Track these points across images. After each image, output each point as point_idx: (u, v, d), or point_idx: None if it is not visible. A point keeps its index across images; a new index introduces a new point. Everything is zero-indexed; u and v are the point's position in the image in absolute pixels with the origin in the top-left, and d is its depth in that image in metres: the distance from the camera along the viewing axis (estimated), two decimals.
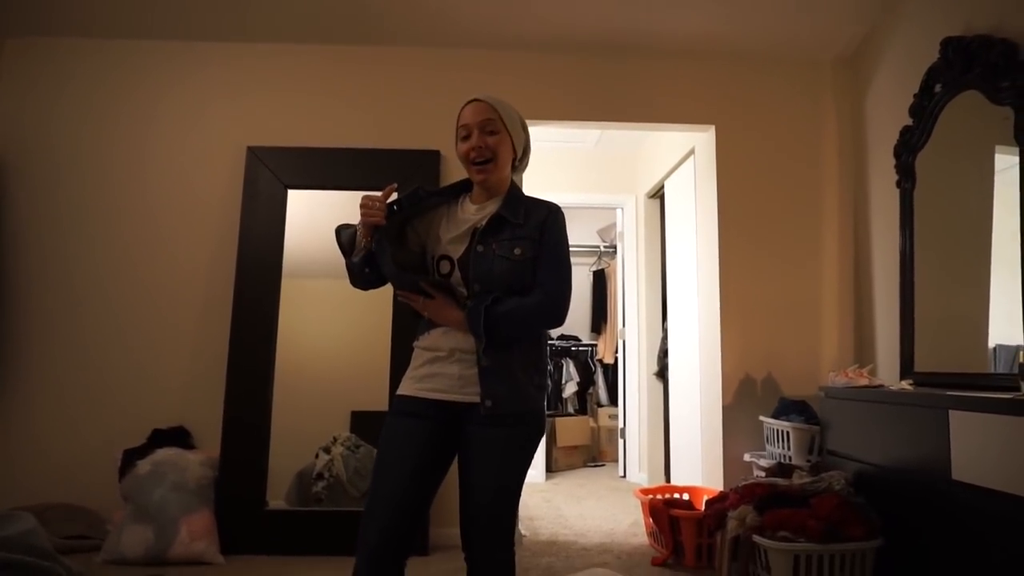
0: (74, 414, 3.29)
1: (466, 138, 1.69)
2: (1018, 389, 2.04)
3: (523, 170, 1.82)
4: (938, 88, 2.86)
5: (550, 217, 1.68)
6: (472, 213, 1.72)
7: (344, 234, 1.74)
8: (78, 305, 3.37)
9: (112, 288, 3.39)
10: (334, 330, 3.56)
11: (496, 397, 1.59)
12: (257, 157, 3.43)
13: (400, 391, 1.69)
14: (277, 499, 3.25)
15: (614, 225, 5.81)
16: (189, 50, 3.53)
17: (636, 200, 5.38)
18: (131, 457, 3.12)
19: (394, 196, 1.70)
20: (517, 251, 1.62)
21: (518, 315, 1.60)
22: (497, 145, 1.68)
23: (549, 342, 6.12)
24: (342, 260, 1.75)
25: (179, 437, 3.24)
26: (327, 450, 3.33)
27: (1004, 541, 1.88)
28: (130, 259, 3.41)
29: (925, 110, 2.93)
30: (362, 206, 1.64)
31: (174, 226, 3.44)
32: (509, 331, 1.60)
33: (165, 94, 3.51)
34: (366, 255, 1.68)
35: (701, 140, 3.84)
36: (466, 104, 1.71)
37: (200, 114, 3.51)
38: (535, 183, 3.95)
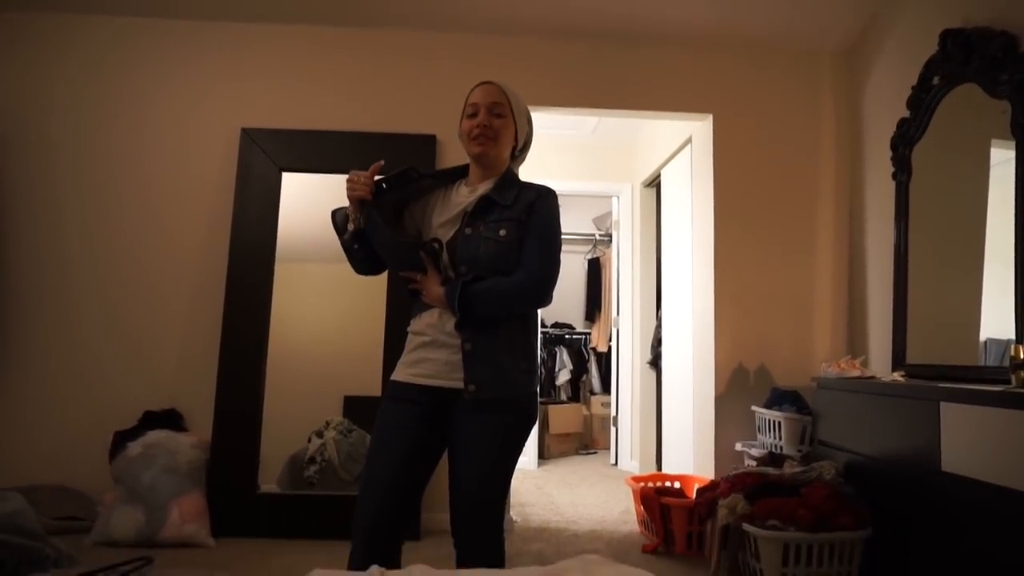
0: (65, 395, 3.28)
1: (472, 116, 1.70)
2: (1008, 382, 2.05)
3: (520, 163, 1.82)
4: (936, 80, 2.85)
5: (539, 200, 1.67)
6: (464, 196, 1.72)
7: (338, 215, 1.74)
8: (70, 286, 3.34)
9: (105, 269, 3.36)
10: (328, 314, 3.55)
11: (480, 381, 1.59)
12: (251, 139, 3.40)
13: (393, 376, 1.70)
14: (269, 483, 3.25)
15: (610, 213, 5.80)
16: (186, 29, 3.48)
17: (632, 188, 5.37)
18: (122, 439, 3.11)
19: (383, 176, 1.70)
20: (503, 232, 1.62)
21: (495, 293, 1.59)
22: (501, 128, 1.69)
23: (542, 330, 6.18)
24: (337, 244, 1.76)
25: (171, 419, 3.23)
26: (320, 434, 3.33)
27: (992, 532, 1.90)
28: (123, 240, 3.39)
29: (923, 102, 2.92)
30: (348, 181, 1.66)
31: (167, 207, 3.41)
32: (485, 309, 1.59)
33: (161, 73, 3.47)
34: (356, 232, 1.68)
35: (698, 129, 3.83)
36: (478, 85, 1.73)
37: (195, 94, 3.47)
38: (531, 170, 3.92)
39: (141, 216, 3.40)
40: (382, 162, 1.69)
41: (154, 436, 3.07)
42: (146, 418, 3.22)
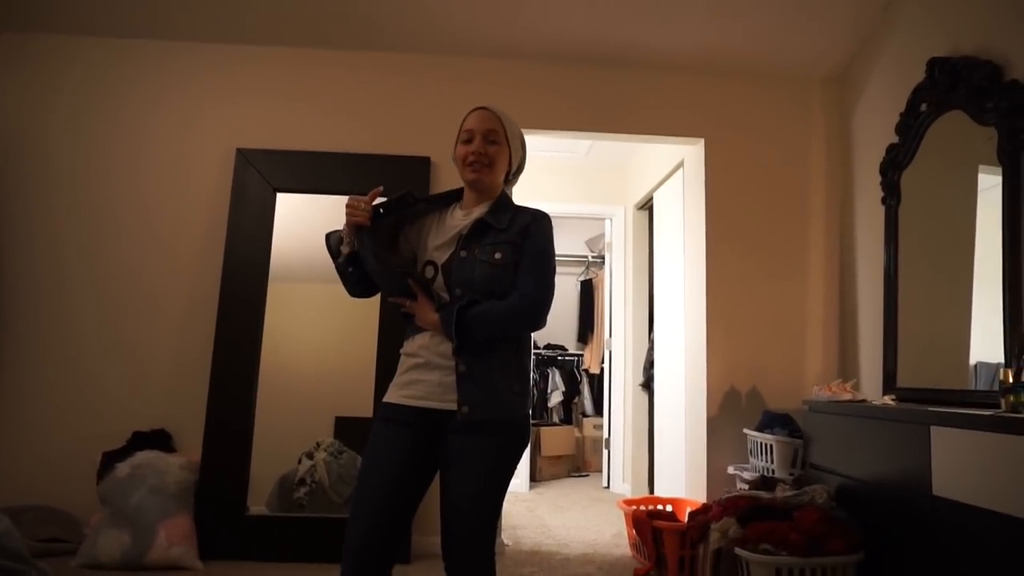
0: (53, 415, 3.25)
1: (468, 142, 1.71)
2: (998, 406, 2.06)
3: (513, 185, 1.84)
4: (924, 107, 2.90)
5: (534, 224, 1.69)
6: (459, 219, 1.73)
7: (332, 237, 1.75)
8: (62, 304, 3.33)
9: (98, 288, 3.35)
10: (320, 335, 3.54)
11: (473, 403, 1.58)
12: (246, 159, 3.41)
13: (386, 398, 1.70)
14: (258, 504, 3.22)
15: (602, 235, 5.83)
16: (183, 51, 3.51)
17: (625, 211, 5.40)
18: (110, 460, 3.08)
19: (381, 200, 1.70)
20: (498, 255, 1.63)
21: (491, 317, 1.60)
22: (496, 155, 1.71)
23: (535, 351, 6.16)
24: (329, 265, 1.77)
25: (160, 440, 3.20)
26: (310, 455, 3.30)
27: (983, 556, 1.90)
28: (117, 259, 3.38)
29: (911, 128, 2.97)
30: (348, 206, 1.66)
31: (162, 227, 3.41)
32: (481, 333, 1.59)
33: (157, 94, 3.49)
34: (350, 254, 1.69)
35: (690, 153, 3.87)
36: (473, 110, 1.74)
37: (191, 115, 3.49)
38: (525, 192, 3.96)
39: (135, 235, 3.40)
40: (381, 188, 1.70)
41: (143, 457, 3.04)
42: (135, 439, 3.19)
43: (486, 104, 1.75)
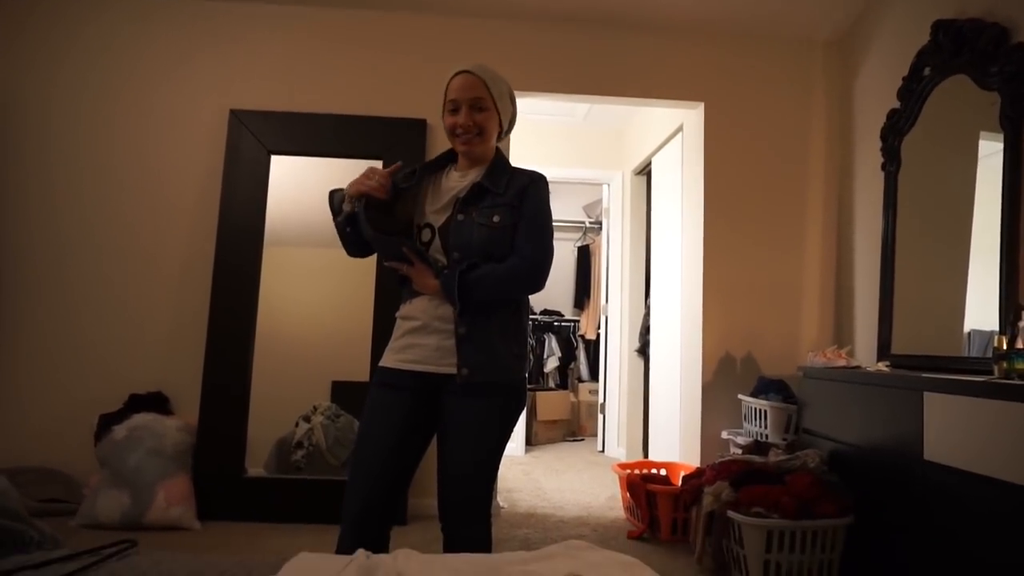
0: (51, 377, 3.25)
1: (454, 111, 1.66)
2: (991, 372, 2.07)
3: (506, 137, 1.81)
4: (927, 71, 2.86)
5: (531, 185, 1.67)
6: (456, 182, 1.71)
7: (336, 196, 1.73)
8: (56, 267, 3.31)
9: (92, 252, 3.33)
10: (316, 299, 3.54)
11: (473, 365, 1.59)
12: (240, 120, 3.36)
13: (382, 362, 1.70)
14: (256, 467, 3.25)
15: (600, 201, 5.80)
16: (173, 7, 3.43)
17: (623, 176, 5.36)
18: (108, 422, 3.09)
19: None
20: (496, 218, 1.62)
21: (491, 279, 1.59)
22: (484, 121, 1.67)
23: (531, 316, 6.18)
24: (326, 228, 1.76)
25: (157, 402, 3.21)
26: (307, 419, 3.33)
27: (972, 519, 1.93)
28: (111, 221, 3.35)
29: (913, 93, 2.93)
30: (365, 175, 1.65)
31: (154, 189, 3.38)
32: (482, 295, 1.59)
33: (149, 52, 3.42)
34: (350, 215, 1.67)
35: (690, 117, 3.82)
36: (456, 75, 1.67)
37: (183, 74, 3.43)
38: (522, 156, 3.92)
39: (129, 198, 3.37)
40: (400, 163, 1.72)
41: (140, 419, 3.05)
42: (132, 401, 3.20)
43: (469, 67, 1.67)
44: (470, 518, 1.60)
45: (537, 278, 1.64)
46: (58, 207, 3.33)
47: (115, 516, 2.86)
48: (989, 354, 2.21)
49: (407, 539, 1.78)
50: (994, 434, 1.86)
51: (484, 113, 1.66)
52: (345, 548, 1.52)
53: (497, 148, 1.75)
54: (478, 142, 1.67)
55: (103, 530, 2.82)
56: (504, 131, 1.75)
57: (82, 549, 1.17)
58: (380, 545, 1.56)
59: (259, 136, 3.35)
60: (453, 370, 1.60)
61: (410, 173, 1.72)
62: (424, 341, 1.63)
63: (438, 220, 1.67)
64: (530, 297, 1.78)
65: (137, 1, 3.41)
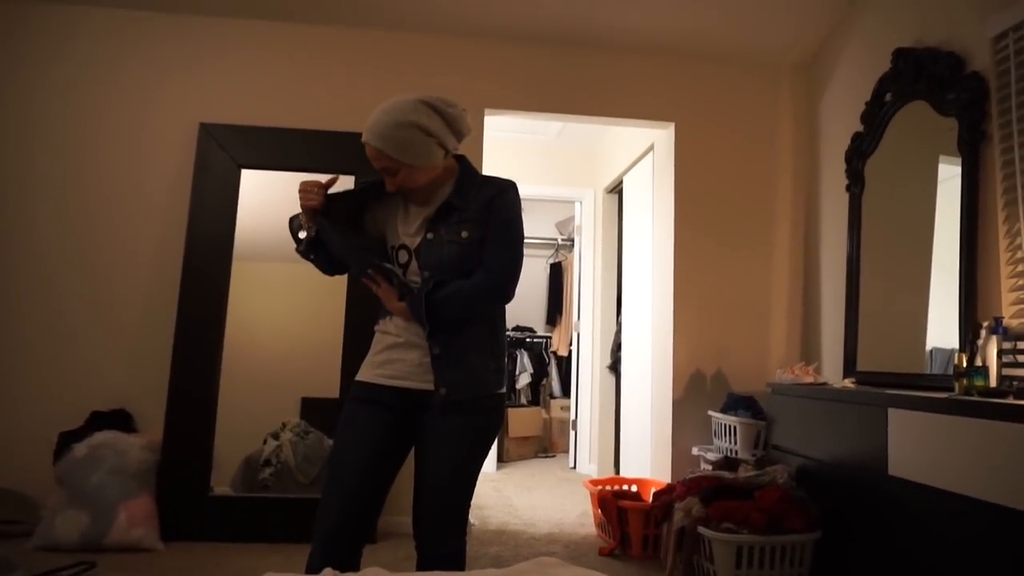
0: (6, 394, 3.15)
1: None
2: (952, 389, 2.12)
3: (460, 143, 1.66)
4: (888, 97, 2.95)
5: (498, 196, 1.65)
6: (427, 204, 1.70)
7: (295, 221, 1.72)
8: (15, 280, 3.22)
9: (54, 264, 3.25)
10: (286, 315, 3.50)
11: (451, 384, 1.58)
12: (210, 134, 3.32)
13: (359, 377, 1.68)
14: (223, 485, 3.18)
15: (572, 218, 5.84)
16: (142, 20, 3.39)
17: (595, 194, 5.41)
18: (68, 440, 3.00)
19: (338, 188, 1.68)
20: (464, 234, 1.61)
21: (459, 297, 1.59)
22: (405, 178, 1.59)
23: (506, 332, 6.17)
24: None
25: (119, 420, 3.13)
26: (276, 436, 3.27)
27: (935, 533, 1.97)
28: (73, 234, 3.28)
29: (876, 117, 3.02)
30: (300, 191, 1.63)
31: (121, 202, 3.32)
32: (451, 314, 1.59)
33: (118, 65, 3.37)
34: (310, 242, 1.67)
35: (661, 137, 3.88)
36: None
37: (153, 87, 3.38)
38: (495, 173, 3.91)
39: (93, 211, 3.30)
40: (338, 176, 1.68)
41: (102, 437, 2.97)
42: (93, 418, 3.11)
43: (366, 137, 1.57)
44: (447, 535, 1.59)
45: (504, 290, 1.64)
46: (15, 220, 3.25)
47: (74, 537, 2.78)
48: (950, 371, 2.27)
49: (377, 556, 1.77)
50: (954, 449, 1.90)
51: (401, 174, 1.58)
52: (315, 567, 1.49)
53: (463, 159, 1.72)
54: (414, 191, 1.62)
55: (62, 552, 2.73)
56: (447, 151, 1.61)
57: (37, 572, 1.13)
58: (351, 564, 1.53)
59: (229, 150, 3.32)
60: (432, 387, 1.59)
61: (369, 184, 1.69)
62: (406, 356, 1.62)
63: (413, 242, 1.65)
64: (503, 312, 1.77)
65: (108, 17, 3.37)
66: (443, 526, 1.58)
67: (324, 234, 1.64)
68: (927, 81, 2.68)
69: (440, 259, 1.61)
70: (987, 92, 2.43)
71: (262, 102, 3.42)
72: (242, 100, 3.41)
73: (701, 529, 2.49)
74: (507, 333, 6.41)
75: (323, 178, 1.67)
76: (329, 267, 1.74)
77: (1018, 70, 2.31)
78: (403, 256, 1.67)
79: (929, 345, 2.65)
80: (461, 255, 1.60)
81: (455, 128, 1.61)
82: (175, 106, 3.38)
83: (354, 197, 1.69)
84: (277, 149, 3.34)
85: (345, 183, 1.71)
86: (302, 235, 1.68)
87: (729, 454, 3.11)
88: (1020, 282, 2.31)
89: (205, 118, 3.35)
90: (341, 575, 1.21)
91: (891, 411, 2.17)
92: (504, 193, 1.66)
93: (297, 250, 1.71)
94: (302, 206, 1.64)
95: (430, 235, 1.62)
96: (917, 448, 2.06)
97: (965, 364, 2.09)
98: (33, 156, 3.29)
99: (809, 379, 2.89)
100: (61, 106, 3.33)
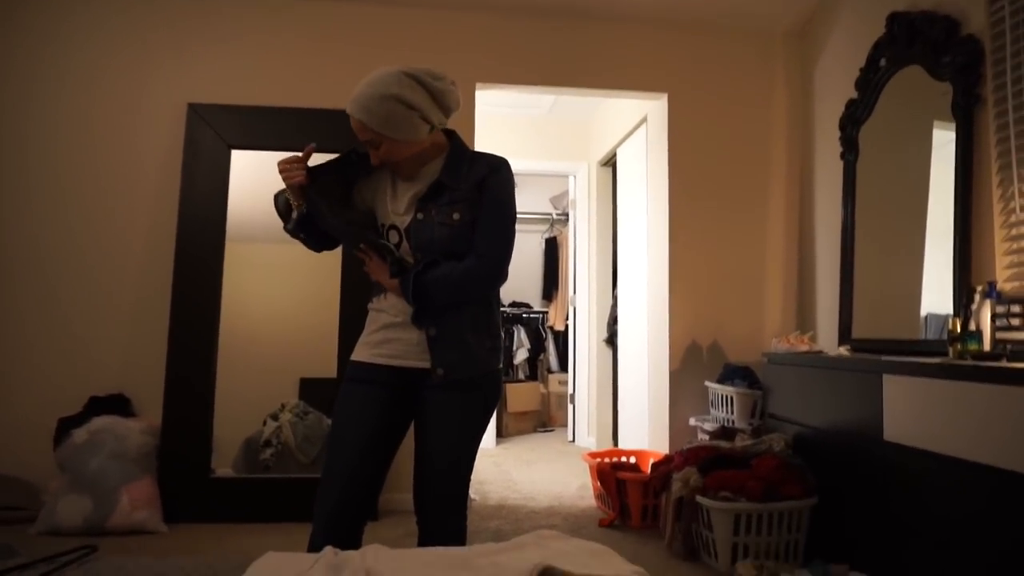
0: (5, 380, 3.15)
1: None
2: (946, 354, 2.13)
3: (447, 119, 1.62)
4: (883, 62, 2.92)
5: (490, 175, 1.61)
6: (414, 180, 1.66)
7: (280, 199, 1.69)
8: (9, 266, 3.20)
9: (46, 249, 3.23)
10: (282, 296, 3.49)
11: (448, 364, 1.58)
12: (199, 115, 3.28)
13: (355, 356, 1.67)
14: (224, 467, 3.20)
15: (566, 193, 5.81)
16: (134, 1, 3.33)
17: (589, 168, 5.38)
18: (67, 425, 3.01)
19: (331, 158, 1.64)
20: (455, 215, 1.58)
21: (449, 280, 1.57)
22: (389, 151, 1.57)
23: (500, 309, 6.18)
24: None
25: (118, 405, 3.14)
26: (275, 417, 3.28)
27: (930, 496, 1.99)
28: (65, 220, 3.25)
29: (870, 84, 2.99)
30: (281, 170, 1.60)
31: (111, 185, 3.29)
32: (440, 296, 1.57)
33: (105, 45, 3.31)
34: (300, 219, 1.64)
35: (654, 108, 3.85)
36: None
37: (140, 67, 3.33)
38: (487, 148, 3.83)
39: (84, 196, 3.27)
40: (314, 145, 1.63)
41: (101, 422, 2.98)
42: (92, 404, 3.12)
43: (349, 109, 1.53)
44: (448, 511, 1.60)
45: (496, 275, 1.63)
46: (5, 206, 3.22)
47: (77, 522, 2.79)
48: (945, 337, 2.28)
49: (378, 534, 1.78)
50: (949, 413, 1.92)
51: (384, 146, 1.55)
52: (317, 546, 1.50)
53: (453, 134, 1.69)
54: (401, 161, 1.60)
55: (65, 536, 2.74)
56: (433, 125, 1.57)
57: (38, 557, 1.14)
58: (353, 543, 1.54)
59: (219, 130, 3.28)
60: (430, 365, 1.59)
61: (342, 156, 1.65)
62: (404, 335, 1.61)
63: (403, 221, 1.63)
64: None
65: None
66: (444, 502, 1.59)
67: (313, 209, 1.62)
68: (922, 45, 2.65)
69: (431, 240, 1.59)
70: (982, 55, 2.41)
71: (251, 81, 3.37)
72: (230, 79, 3.36)
73: (699, 498, 2.51)
74: (504, 309, 6.45)
75: (300, 153, 1.63)
76: (319, 244, 1.72)
77: (1013, 31, 2.29)
78: (394, 236, 1.65)
79: (924, 311, 2.66)
80: (452, 237, 1.58)
81: (441, 102, 1.57)
82: (163, 87, 3.33)
83: (340, 168, 1.65)
84: (267, 128, 3.31)
85: (325, 157, 1.66)
86: (294, 214, 1.65)
87: (726, 424, 3.13)
88: (1014, 246, 2.31)
89: (193, 98, 3.30)
90: (340, 552, 1.22)
91: (885, 377, 2.18)
92: (496, 172, 1.63)
93: (286, 228, 1.69)
94: (286, 184, 1.61)
95: (420, 215, 1.60)
96: (912, 413, 2.07)
97: (959, 329, 2.09)
98: (24, 141, 3.25)
99: (804, 348, 2.90)
100: (51, 90, 3.27)
